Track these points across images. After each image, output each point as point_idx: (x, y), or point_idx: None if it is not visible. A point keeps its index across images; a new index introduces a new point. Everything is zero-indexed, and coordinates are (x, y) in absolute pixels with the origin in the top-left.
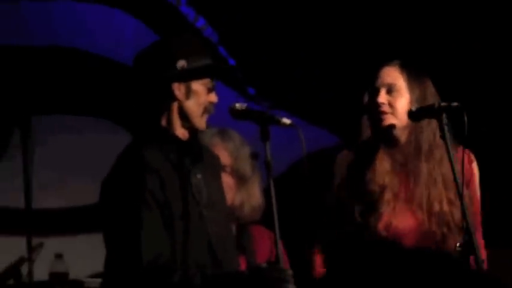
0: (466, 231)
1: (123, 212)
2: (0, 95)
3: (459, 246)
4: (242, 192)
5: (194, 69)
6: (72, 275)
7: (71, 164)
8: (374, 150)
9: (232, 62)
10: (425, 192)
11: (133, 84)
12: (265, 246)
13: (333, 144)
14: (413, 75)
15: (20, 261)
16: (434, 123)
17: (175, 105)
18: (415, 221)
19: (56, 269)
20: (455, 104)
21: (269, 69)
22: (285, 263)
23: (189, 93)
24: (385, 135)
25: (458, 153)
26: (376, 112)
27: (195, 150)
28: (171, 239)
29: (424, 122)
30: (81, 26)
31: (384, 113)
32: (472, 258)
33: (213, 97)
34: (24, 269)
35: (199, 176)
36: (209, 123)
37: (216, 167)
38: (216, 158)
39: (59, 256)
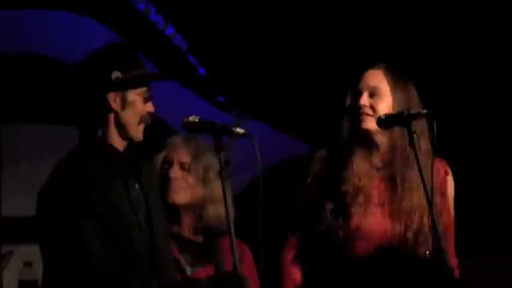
0: (435, 237)
1: (64, 223)
2: None
3: (429, 253)
4: (204, 191)
5: (128, 80)
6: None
7: (41, 172)
8: (351, 152)
9: (201, 70)
10: (407, 202)
11: (72, 96)
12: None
13: (303, 152)
14: (397, 79)
15: None
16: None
17: (111, 117)
18: (387, 225)
19: (25, 277)
20: (425, 111)
21: (239, 77)
22: (252, 273)
23: (124, 104)
24: (364, 138)
25: (435, 165)
26: (357, 114)
27: (133, 162)
28: (113, 250)
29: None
30: (50, 34)
31: (366, 115)
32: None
33: (150, 107)
34: None
35: (137, 186)
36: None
37: (154, 178)
38: (155, 170)
39: (28, 264)
